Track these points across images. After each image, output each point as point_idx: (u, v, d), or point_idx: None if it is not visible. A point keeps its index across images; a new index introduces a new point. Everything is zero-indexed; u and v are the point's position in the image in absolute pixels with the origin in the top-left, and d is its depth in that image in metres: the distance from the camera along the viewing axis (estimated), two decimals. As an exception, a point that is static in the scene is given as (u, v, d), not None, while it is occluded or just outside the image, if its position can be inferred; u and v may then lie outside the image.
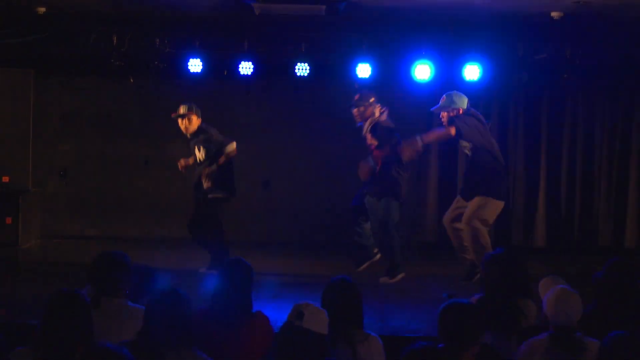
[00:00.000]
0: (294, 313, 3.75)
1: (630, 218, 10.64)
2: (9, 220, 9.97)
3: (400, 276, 8.11)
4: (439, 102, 8.04)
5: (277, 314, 5.59)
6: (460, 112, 7.94)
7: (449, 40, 9.42)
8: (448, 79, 9.64)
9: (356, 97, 8.23)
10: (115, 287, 4.54)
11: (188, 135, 8.47)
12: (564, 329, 4.34)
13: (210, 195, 8.33)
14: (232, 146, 8.40)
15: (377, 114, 8.15)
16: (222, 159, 8.36)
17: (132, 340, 3.80)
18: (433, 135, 8.40)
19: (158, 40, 9.59)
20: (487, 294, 5.09)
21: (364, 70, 9.50)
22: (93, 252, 5.05)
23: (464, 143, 8.05)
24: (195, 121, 8.39)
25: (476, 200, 7.91)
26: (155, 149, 10.99)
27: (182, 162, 8.62)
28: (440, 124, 8.12)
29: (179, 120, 8.40)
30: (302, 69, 9.80)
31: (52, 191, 11.02)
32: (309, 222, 10.86)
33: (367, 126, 8.22)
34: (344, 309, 4.30)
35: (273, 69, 10.06)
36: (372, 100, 8.18)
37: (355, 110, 8.22)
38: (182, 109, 8.37)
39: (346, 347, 4.21)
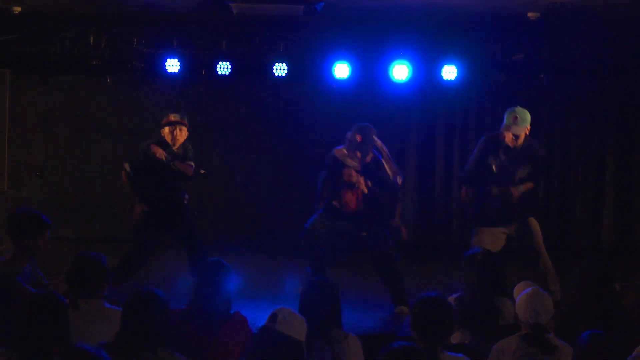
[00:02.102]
0: (269, 317, 3.78)
1: (607, 217, 10.70)
2: (-16, 221, 9.89)
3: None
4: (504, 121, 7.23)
5: (255, 315, 5.60)
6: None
7: (427, 40, 9.43)
8: (426, 79, 9.67)
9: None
10: (92, 288, 4.53)
11: (174, 148, 7.51)
12: (534, 328, 4.38)
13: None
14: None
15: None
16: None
17: (109, 342, 3.79)
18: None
19: (135, 40, 9.54)
20: (465, 293, 5.12)
21: (342, 70, 9.49)
22: (70, 253, 5.02)
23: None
24: (185, 133, 7.56)
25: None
26: (133, 149, 10.89)
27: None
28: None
29: (167, 129, 7.50)
30: (280, 69, 9.78)
31: (28, 192, 10.92)
32: (290, 221, 10.82)
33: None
34: (323, 309, 4.32)
35: (251, 69, 10.04)
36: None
37: None
38: (174, 116, 7.48)
39: (325, 347, 4.22)
